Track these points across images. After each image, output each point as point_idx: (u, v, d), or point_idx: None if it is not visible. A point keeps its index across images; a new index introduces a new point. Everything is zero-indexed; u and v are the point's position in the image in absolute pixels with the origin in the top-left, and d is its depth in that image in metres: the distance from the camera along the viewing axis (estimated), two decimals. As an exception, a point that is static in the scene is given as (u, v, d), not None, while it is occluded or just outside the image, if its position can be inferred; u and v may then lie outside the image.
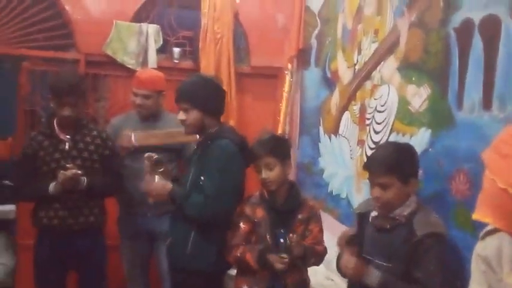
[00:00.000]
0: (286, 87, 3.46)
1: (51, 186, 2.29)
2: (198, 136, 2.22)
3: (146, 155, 2.18)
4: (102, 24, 3.29)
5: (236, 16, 3.50)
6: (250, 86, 3.65)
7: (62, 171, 2.24)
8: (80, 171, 2.27)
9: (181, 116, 2.13)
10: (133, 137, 2.58)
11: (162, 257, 2.64)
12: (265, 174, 2.02)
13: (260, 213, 2.08)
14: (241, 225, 2.09)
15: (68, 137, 2.39)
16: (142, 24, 3.36)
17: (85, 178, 2.33)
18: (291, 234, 1.96)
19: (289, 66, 3.46)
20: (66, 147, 2.37)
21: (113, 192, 2.60)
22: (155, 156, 2.17)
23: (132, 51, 3.33)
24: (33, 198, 2.43)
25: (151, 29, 3.35)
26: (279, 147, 2.07)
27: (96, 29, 3.30)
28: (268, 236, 2.04)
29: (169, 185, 2.15)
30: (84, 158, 2.40)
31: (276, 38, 3.59)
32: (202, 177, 2.09)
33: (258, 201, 2.12)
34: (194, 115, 2.11)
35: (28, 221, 2.51)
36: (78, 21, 3.30)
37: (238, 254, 2.04)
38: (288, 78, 3.46)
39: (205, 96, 2.12)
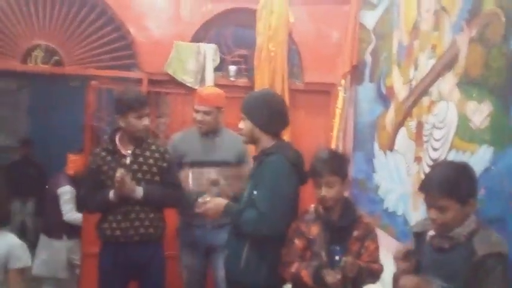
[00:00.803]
0: (339, 103, 3.47)
1: (111, 193, 2.43)
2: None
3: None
4: (163, 45, 3.48)
5: (290, 34, 3.57)
6: (303, 102, 3.69)
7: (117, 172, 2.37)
8: (126, 174, 2.38)
9: (241, 124, 2.24)
10: (190, 177, 2.73)
11: (218, 269, 2.70)
12: (325, 191, 2.02)
13: (315, 230, 2.07)
14: (296, 241, 2.08)
15: (128, 151, 2.52)
16: (200, 44, 3.51)
17: (141, 188, 2.45)
18: (344, 258, 1.93)
19: (343, 82, 3.46)
20: (127, 161, 2.50)
21: (172, 204, 2.69)
22: (212, 177, 2.25)
23: (191, 70, 3.47)
24: (96, 207, 2.56)
25: (209, 49, 3.49)
26: (341, 165, 2.07)
27: (157, 49, 3.49)
28: (323, 253, 2.03)
29: (223, 202, 2.22)
30: (144, 171, 2.52)
31: (329, 55, 3.63)
32: (255, 192, 2.13)
33: (313, 217, 2.11)
34: (247, 126, 2.21)
35: (92, 230, 2.66)
36: (141, 42, 3.50)
37: (293, 270, 2.04)
38: (341, 94, 3.47)
39: (258, 110, 2.18)
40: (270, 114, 2.20)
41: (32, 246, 5.16)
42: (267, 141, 2.20)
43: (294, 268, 2.03)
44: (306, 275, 1.99)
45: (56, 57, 3.49)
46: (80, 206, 2.63)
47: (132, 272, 2.56)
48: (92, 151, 2.68)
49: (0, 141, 6.27)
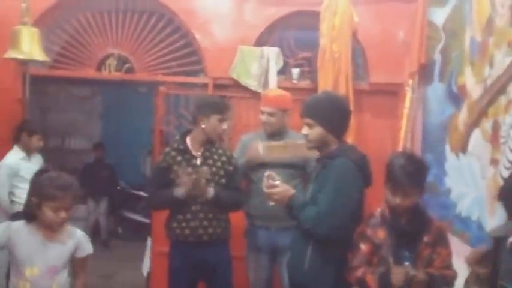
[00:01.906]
0: (407, 104, 3.36)
1: (179, 191, 2.50)
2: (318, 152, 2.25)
3: (266, 173, 2.24)
4: (228, 50, 3.55)
5: (354, 34, 3.52)
6: (368, 103, 3.62)
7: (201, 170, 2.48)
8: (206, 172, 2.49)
9: (305, 130, 2.17)
10: (260, 147, 2.73)
11: (284, 271, 2.71)
12: (401, 201, 1.94)
13: (381, 234, 2.01)
14: (362, 246, 2.04)
15: (199, 153, 2.61)
16: (263, 48, 3.55)
17: (212, 189, 2.52)
18: (412, 272, 1.87)
19: (410, 82, 3.35)
20: (198, 162, 2.59)
21: (238, 206, 2.74)
22: (275, 179, 2.22)
23: (255, 74, 3.52)
24: (163, 205, 2.65)
25: (272, 52, 3.52)
26: (422, 176, 1.99)
27: (222, 54, 3.57)
28: (390, 259, 1.98)
29: (291, 191, 2.18)
30: (213, 172, 2.59)
31: (396, 54, 3.53)
32: (320, 195, 2.09)
33: (379, 221, 2.05)
34: (317, 131, 2.14)
35: (161, 230, 2.76)
36: (206, 48, 3.60)
37: (359, 275, 1.99)
38: (409, 94, 3.35)
39: (329, 114, 2.14)
40: (339, 117, 2.17)
41: (104, 244, 5.52)
42: (333, 144, 2.17)
43: (359, 273, 1.99)
44: (371, 280, 1.94)
45: (128, 65, 3.68)
46: (148, 205, 2.74)
47: (201, 272, 2.64)
48: (162, 151, 2.79)
49: (75, 144, 6.70)
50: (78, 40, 3.67)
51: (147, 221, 5.06)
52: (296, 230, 2.25)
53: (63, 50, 3.71)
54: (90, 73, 3.69)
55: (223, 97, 3.56)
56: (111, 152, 5.98)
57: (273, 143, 2.79)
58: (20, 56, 3.00)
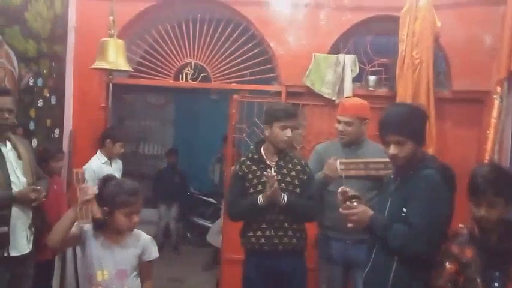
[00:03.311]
0: (494, 113, 3.14)
1: (260, 198, 2.50)
2: None
3: (340, 190, 2.17)
4: (302, 57, 3.53)
5: (437, 39, 3.36)
6: (451, 111, 3.45)
7: (268, 174, 2.44)
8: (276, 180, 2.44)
9: (393, 150, 2.04)
10: (338, 166, 2.66)
11: (358, 284, 2.62)
12: (486, 212, 1.84)
13: (469, 253, 1.90)
14: (447, 265, 1.93)
15: (273, 162, 2.60)
16: (339, 55, 3.49)
17: (285, 195, 2.50)
18: None
19: (498, 89, 3.14)
20: (272, 171, 2.57)
21: (310, 216, 2.68)
22: (350, 192, 2.16)
23: (329, 82, 3.47)
24: (244, 213, 2.64)
25: (348, 59, 3.45)
26: (506, 185, 1.86)
27: (296, 62, 3.55)
28: (478, 280, 1.84)
29: (370, 212, 2.11)
30: (287, 182, 2.57)
31: (482, 60, 3.34)
32: (404, 209, 2.01)
33: (466, 239, 1.94)
34: (409, 148, 2.02)
35: (232, 237, 2.77)
36: (280, 56, 3.60)
37: (444, 296, 1.90)
38: (496, 103, 3.14)
39: (419, 127, 2.06)
40: (425, 129, 2.11)
41: (175, 249, 5.66)
42: (417, 157, 2.07)
43: (444, 293, 1.89)
44: None
45: (204, 74, 3.77)
46: (228, 213, 2.76)
47: (275, 281, 2.61)
48: (237, 160, 2.81)
49: (149, 150, 6.98)
50: (157, 50, 3.82)
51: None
52: (375, 243, 2.16)
53: (143, 60, 3.87)
54: (169, 82, 3.82)
55: (296, 105, 3.54)
56: (181, 158, 6.15)
57: (352, 160, 2.71)
58: (107, 66, 3.16)
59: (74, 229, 1.96)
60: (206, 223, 5.80)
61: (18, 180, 2.51)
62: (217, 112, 5.79)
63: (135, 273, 2.07)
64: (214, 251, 4.79)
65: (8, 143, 2.53)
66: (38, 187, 2.55)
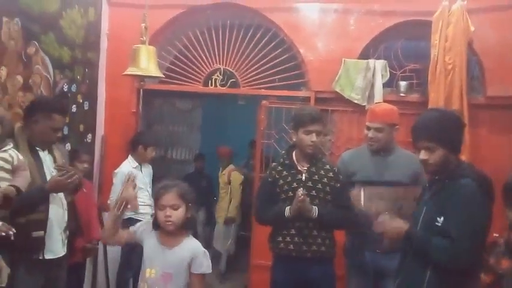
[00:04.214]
0: (531, 119, 3.06)
1: (287, 210, 2.49)
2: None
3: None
4: (332, 62, 3.51)
5: (470, 44, 3.29)
6: (485, 118, 3.38)
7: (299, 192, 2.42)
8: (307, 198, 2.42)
9: (423, 155, 2.01)
10: (362, 196, 2.62)
11: (389, 294, 2.57)
12: None
13: (506, 264, 1.85)
14: (482, 276, 1.88)
15: (304, 168, 2.57)
16: (369, 60, 3.45)
17: (316, 208, 2.46)
18: None
19: (536, 95, 3.05)
20: (303, 177, 2.55)
21: (345, 226, 2.66)
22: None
23: (359, 87, 3.43)
24: (271, 221, 2.63)
25: (378, 64, 3.41)
26: None
27: (325, 67, 3.54)
28: (515, 290, 1.80)
29: (406, 225, 2.08)
30: (318, 189, 2.54)
31: (518, 65, 3.24)
32: (438, 218, 1.96)
33: (502, 250, 1.89)
34: (439, 154, 1.98)
35: (260, 242, 2.76)
36: (309, 61, 3.59)
37: (479, 307, 1.85)
38: (532, 109, 3.06)
39: (451, 133, 2.00)
40: (459, 135, 2.04)
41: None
42: (452, 164, 2.02)
43: (479, 305, 1.84)
44: None
45: (232, 80, 3.79)
46: (256, 217, 2.75)
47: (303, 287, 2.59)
48: (269, 165, 2.82)
49: (177, 155, 7.04)
50: (186, 56, 3.86)
51: (241, 233, 5.17)
52: (408, 253, 2.12)
53: (173, 66, 3.92)
54: (198, 88, 3.86)
55: (325, 111, 3.52)
56: (208, 163, 6.18)
57: (375, 190, 2.63)
58: (139, 73, 3.21)
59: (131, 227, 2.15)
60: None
61: None
62: (244, 117, 5.80)
63: (181, 279, 2.06)
64: (225, 258, 4.77)
65: None
66: (64, 169, 2.44)
